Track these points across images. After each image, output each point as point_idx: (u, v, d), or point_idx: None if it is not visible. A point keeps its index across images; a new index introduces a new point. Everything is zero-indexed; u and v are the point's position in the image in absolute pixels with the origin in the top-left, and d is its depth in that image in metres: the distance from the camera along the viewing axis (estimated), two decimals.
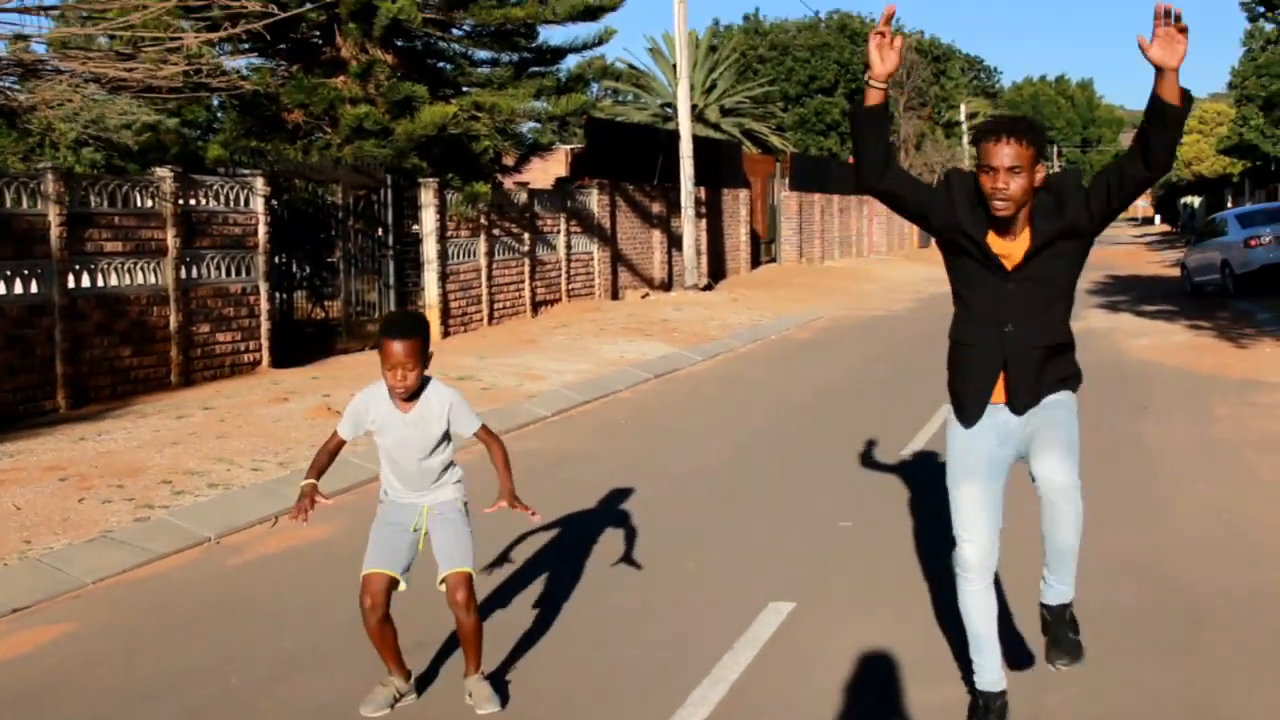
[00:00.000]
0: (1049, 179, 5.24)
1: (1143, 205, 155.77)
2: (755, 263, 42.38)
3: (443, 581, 5.89)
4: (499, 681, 6.23)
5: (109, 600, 7.97)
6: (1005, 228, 5.23)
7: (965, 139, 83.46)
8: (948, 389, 5.59)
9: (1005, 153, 5.05)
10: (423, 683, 6.30)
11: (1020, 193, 5.09)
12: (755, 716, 5.81)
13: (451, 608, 5.89)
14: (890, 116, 5.66)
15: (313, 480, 5.94)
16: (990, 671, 5.52)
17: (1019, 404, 5.48)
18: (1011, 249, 5.27)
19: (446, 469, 6.01)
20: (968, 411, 5.50)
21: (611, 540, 9.03)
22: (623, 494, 10.52)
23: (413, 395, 5.83)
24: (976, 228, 5.28)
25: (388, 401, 5.87)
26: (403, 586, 5.92)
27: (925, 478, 10.54)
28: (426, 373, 5.86)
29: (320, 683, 6.38)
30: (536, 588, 7.94)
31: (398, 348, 5.66)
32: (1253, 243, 29.03)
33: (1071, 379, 5.61)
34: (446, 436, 5.92)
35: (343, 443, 6.08)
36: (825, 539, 9.00)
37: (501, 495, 6.01)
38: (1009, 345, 5.39)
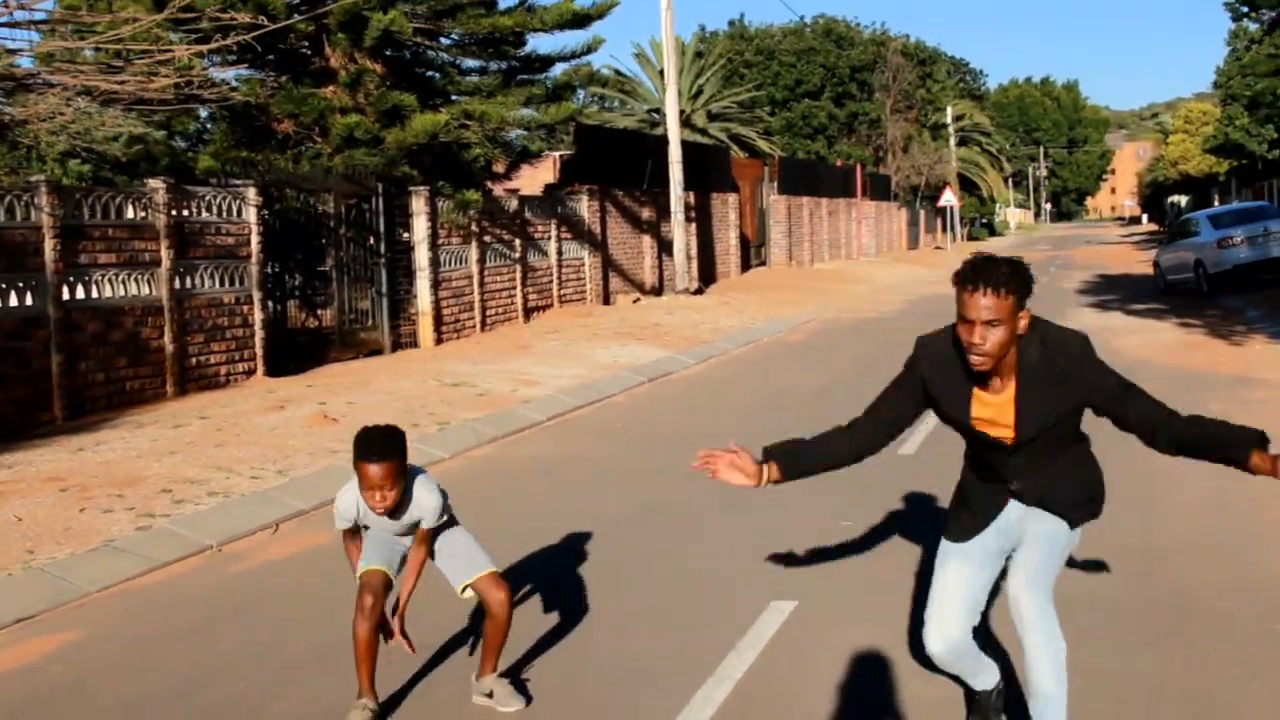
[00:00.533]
0: (1043, 333, 4.97)
1: (1129, 205, 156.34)
2: (745, 266, 42.46)
3: (465, 589, 5.90)
4: (516, 681, 6.29)
5: (113, 608, 8.01)
6: (985, 380, 5.01)
7: (952, 141, 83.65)
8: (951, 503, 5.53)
9: (982, 304, 4.74)
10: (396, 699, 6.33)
11: (997, 347, 4.81)
12: (760, 715, 5.86)
13: (492, 607, 5.85)
14: (796, 454, 5.77)
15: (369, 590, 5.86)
16: (983, 678, 5.51)
17: (1024, 498, 5.27)
18: (997, 404, 5.03)
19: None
20: (963, 533, 5.32)
21: (611, 543, 9.08)
22: (621, 497, 10.58)
23: (395, 509, 5.70)
24: (959, 399, 5.11)
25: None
26: (395, 588, 5.94)
27: (922, 476, 10.60)
28: (412, 464, 5.83)
29: (329, 686, 6.43)
30: (538, 591, 7.99)
31: (374, 471, 5.50)
32: (1225, 243, 29.59)
33: (1082, 509, 5.36)
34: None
35: (354, 531, 6.01)
36: (825, 538, 9.05)
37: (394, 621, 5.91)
38: (1016, 495, 5.26)
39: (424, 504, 5.77)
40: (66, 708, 6.31)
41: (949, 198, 67.75)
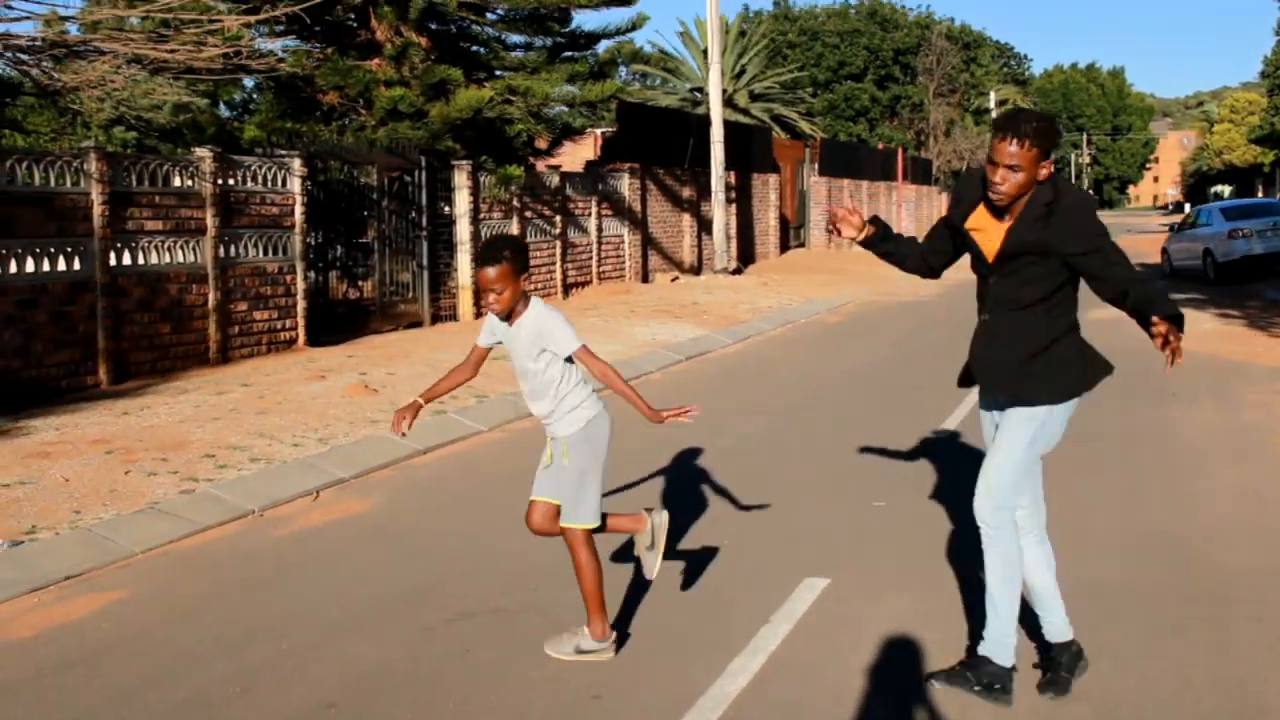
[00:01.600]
0: (1060, 184, 5.46)
1: (1172, 193, 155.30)
2: (784, 247, 42.46)
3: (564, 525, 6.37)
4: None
5: (158, 569, 8.16)
6: (999, 214, 5.54)
7: None
8: None
9: (1007, 151, 5.31)
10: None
11: (1015, 188, 5.37)
12: (791, 687, 5.95)
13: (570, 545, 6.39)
14: (889, 232, 6.09)
15: (420, 399, 6.39)
16: (1055, 622, 5.76)
17: (983, 396, 5.83)
18: (991, 234, 5.57)
19: (564, 390, 6.24)
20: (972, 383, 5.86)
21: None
22: (657, 472, 10.67)
23: (510, 315, 6.13)
24: (970, 213, 5.66)
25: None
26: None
27: (956, 459, 10.66)
28: (531, 295, 6.20)
29: (368, 648, 6.55)
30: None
31: (487, 274, 5.96)
32: (1235, 234, 30.92)
33: (1042, 387, 5.57)
34: (543, 356, 6.17)
35: (483, 352, 6.43)
36: (859, 518, 9.13)
37: (651, 417, 6.43)
38: (984, 334, 5.69)
39: (538, 314, 6.14)
40: (113, 663, 6.45)
41: None
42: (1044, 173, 5.39)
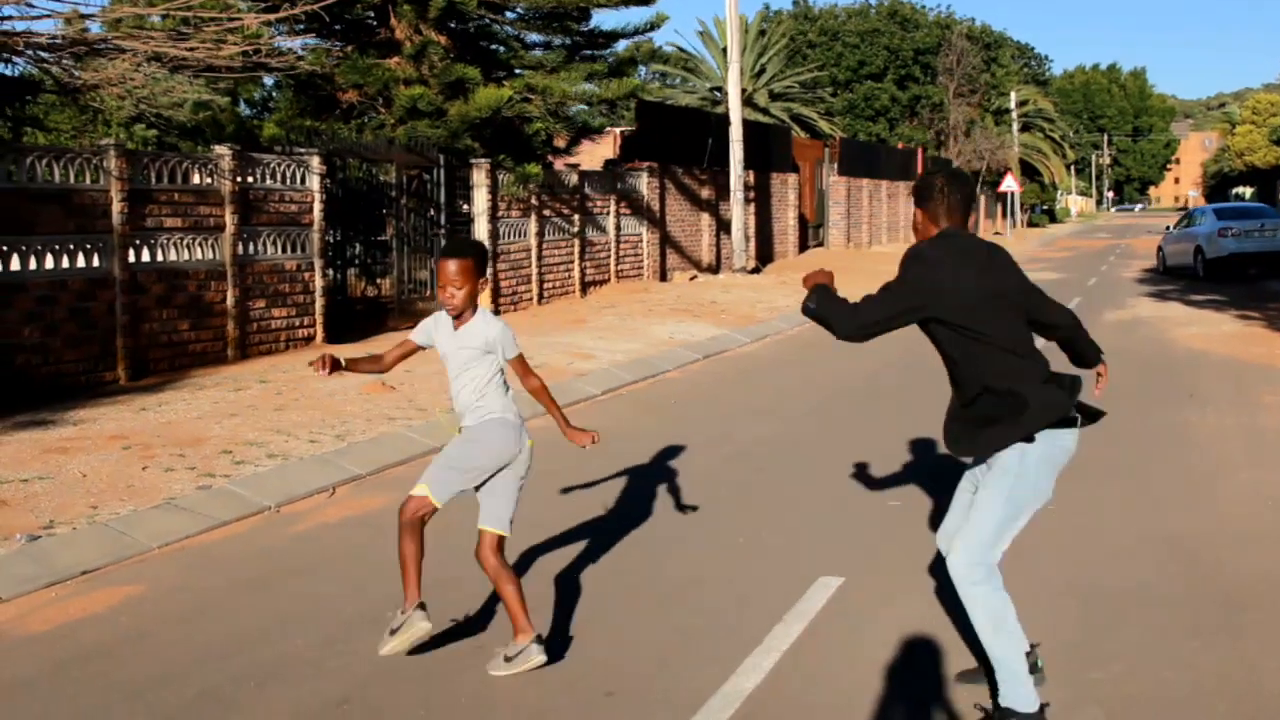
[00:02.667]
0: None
1: (1193, 194, 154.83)
2: (803, 247, 42.43)
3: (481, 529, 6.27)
4: (556, 641, 6.49)
5: (175, 564, 8.19)
6: None
7: (1015, 127, 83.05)
8: None
9: None
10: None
11: None
12: (805, 685, 5.96)
13: (479, 561, 6.24)
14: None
15: (343, 361, 6.54)
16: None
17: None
18: None
19: (488, 390, 6.22)
20: None
21: (663, 514, 9.19)
22: (673, 471, 10.68)
23: (461, 316, 6.19)
24: None
25: (448, 320, 6.27)
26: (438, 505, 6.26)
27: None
28: (481, 305, 6.24)
29: (374, 646, 6.56)
30: (589, 558, 8.10)
31: (448, 266, 6.10)
32: (1224, 234, 33.54)
33: (1001, 424, 5.42)
34: (483, 363, 6.21)
35: (413, 347, 6.49)
36: (874, 517, 9.13)
37: (565, 432, 6.43)
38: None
39: (491, 329, 6.20)
40: (130, 656, 6.48)
41: (1010, 183, 67.34)
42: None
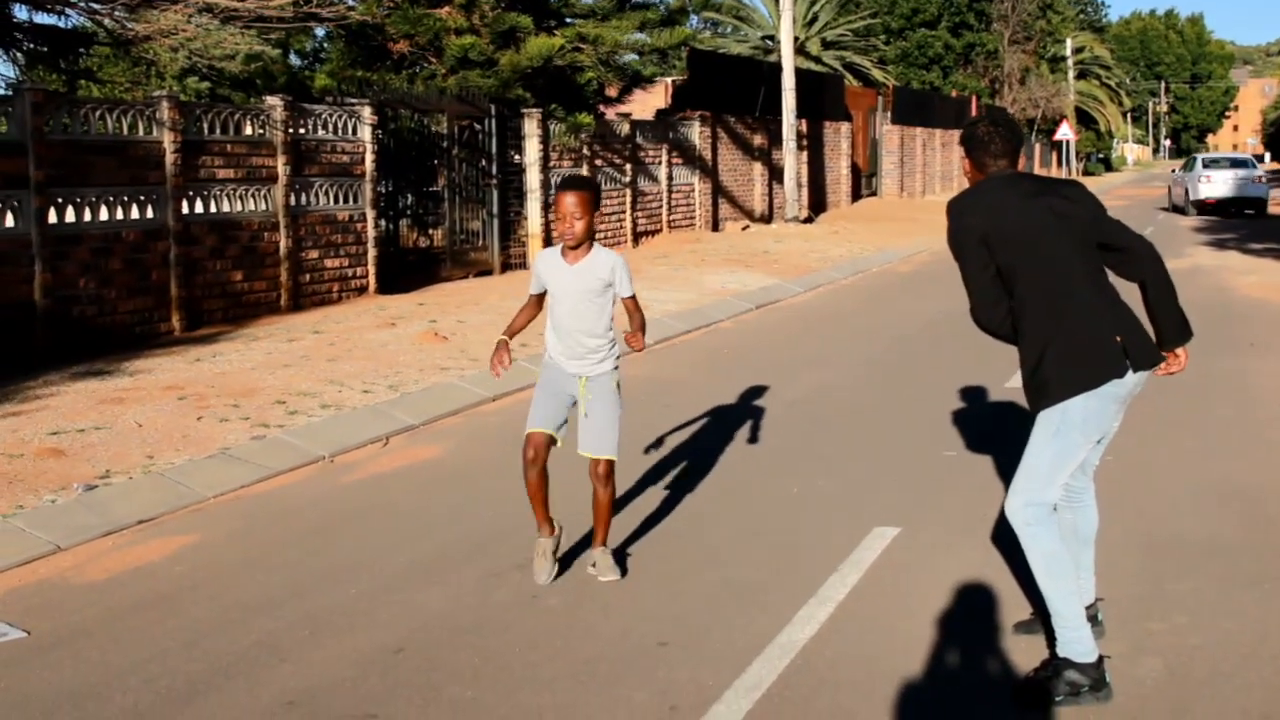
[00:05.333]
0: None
1: (1252, 142, 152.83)
2: (856, 196, 42.16)
3: (587, 455, 6.62)
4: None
5: (230, 514, 8.22)
6: None
7: (1070, 74, 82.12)
8: None
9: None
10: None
11: None
12: (860, 636, 5.92)
13: (592, 479, 6.64)
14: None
15: (506, 337, 6.73)
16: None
17: None
18: None
19: (603, 339, 6.55)
20: None
21: (716, 464, 9.15)
22: (726, 421, 10.64)
23: (578, 247, 6.45)
24: None
25: (559, 257, 6.53)
26: (559, 443, 6.65)
27: (1026, 412, 10.53)
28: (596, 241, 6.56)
29: (436, 594, 6.57)
30: (642, 508, 8.08)
31: (569, 199, 6.34)
32: (1208, 180, 41.05)
33: (1032, 387, 5.42)
34: (605, 294, 6.50)
35: (537, 299, 6.79)
36: (929, 468, 9.07)
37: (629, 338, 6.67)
38: None
39: (613, 263, 6.50)
40: (186, 605, 6.51)
41: (1065, 132, 66.64)
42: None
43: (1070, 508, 5.57)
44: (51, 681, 5.57)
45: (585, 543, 7.09)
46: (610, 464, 6.63)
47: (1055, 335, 5.22)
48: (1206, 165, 42.37)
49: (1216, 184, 40.94)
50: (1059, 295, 5.23)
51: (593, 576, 6.67)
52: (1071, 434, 5.26)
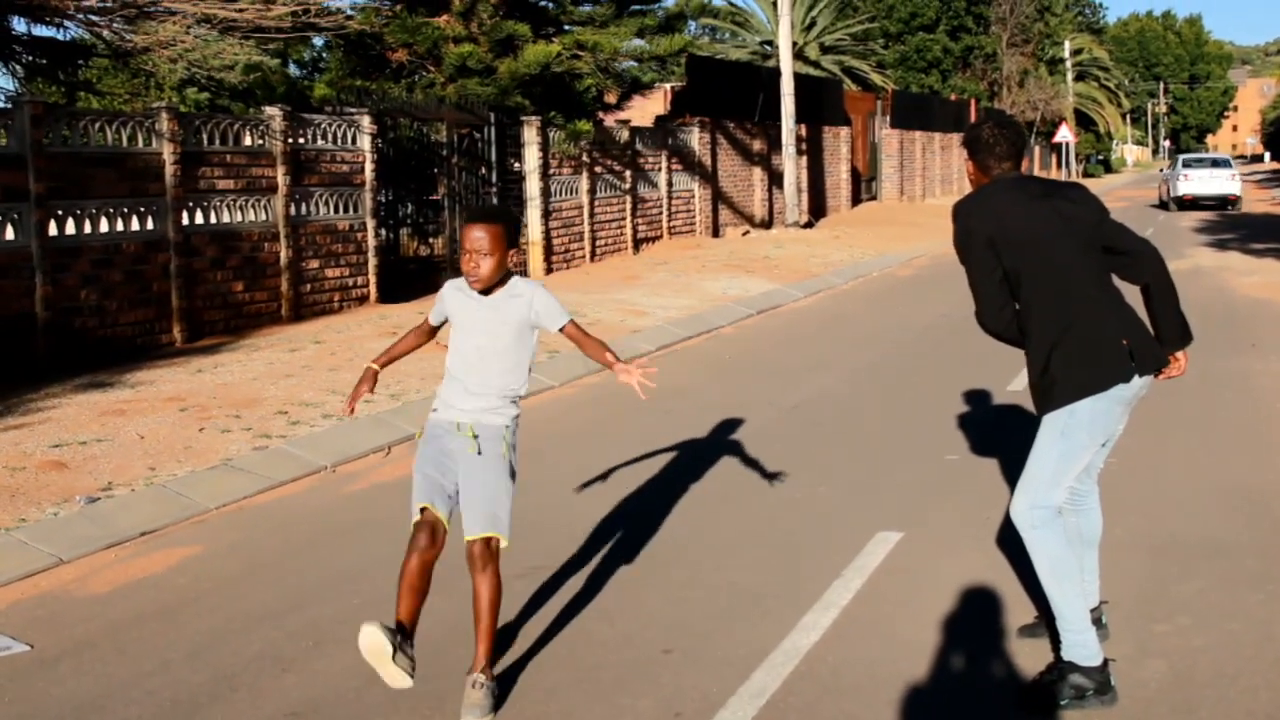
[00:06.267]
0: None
1: (1251, 143, 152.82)
2: (856, 200, 42.16)
3: (473, 538, 5.38)
4: (612, 597, 6.43)
5: (232, 525, 8.22)
6: None
7: (1069, 76, 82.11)
8: None
9: None
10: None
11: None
12: (864, 641, 5.91)
13: (470, 568, 5.40)
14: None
15: (375, 366, 5.81)
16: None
17: None
18: None
19: (511, 388, 5.47)
20: None
21: (718, 470, 9.14)
22: (728, 426, 10.63)
23: (490, 290, 5.38)
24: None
25: (471, 292, 5.44)
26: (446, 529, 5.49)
27: (1029, 415, 10.52)
28: (513, 270, 5.45)
29: (440, 602, 6.53)
30: (644, 515, 8.07)
31: (475, 233, 5.29)
32: (1186, 179, 45.76)
33: (1039, 389, 5.41)
34: (523, 335, 5.45)
35: (431, 329, 5.80)
36: (931, 472, 9.06)
37: (617, 369, 5.52)
38: None
39: (535, 296, 5.43)
40: (189, 617, 6.51)
41: (1065, 134, 66.65)
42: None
43: (1074, 510, 5.55)
44: (55, 694, 5.57)
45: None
46: (493, 546, 5.33)
47: (1062, 338, 5.21)
48: (1186, 165, 47.45)
49: (1194, 182, 45.61)
50: (1066, 298, 5.22)
51: (595, 586, 6.66)
52: (1078, 436, 5.24)
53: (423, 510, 5.42)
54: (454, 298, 5.52)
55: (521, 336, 5.45)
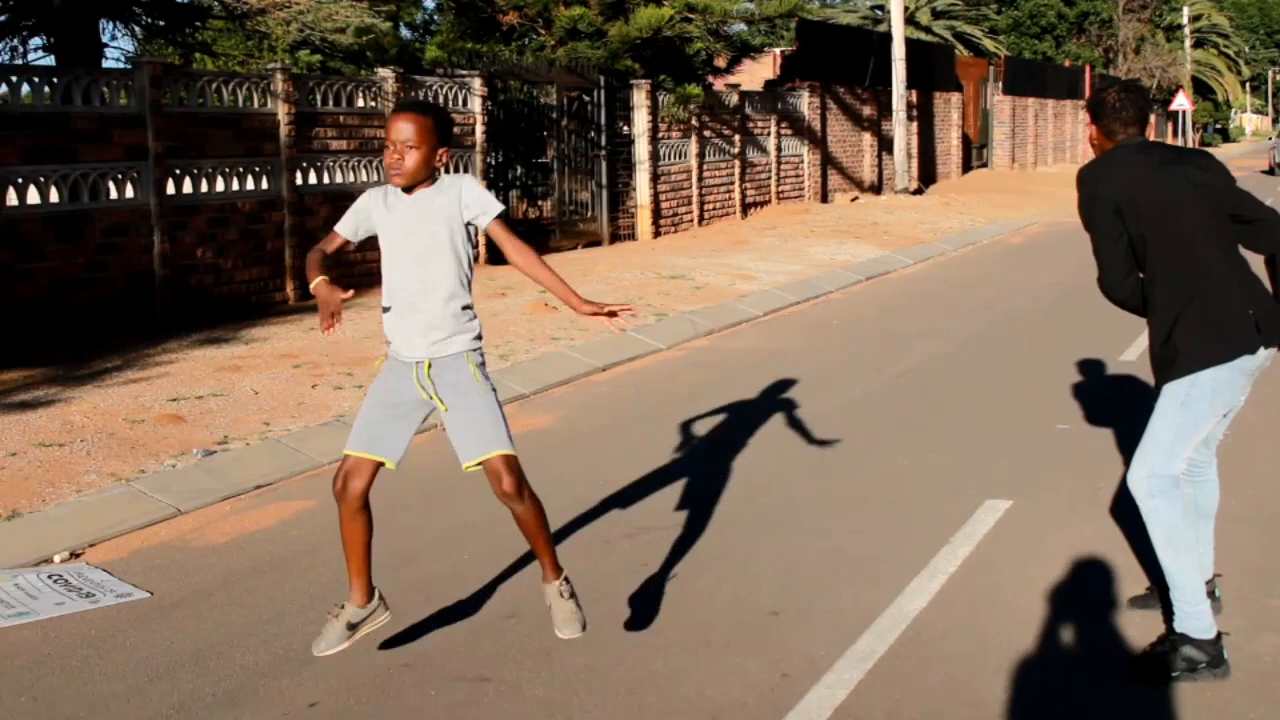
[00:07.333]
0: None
1: None
2: (966, 167, 41.70)
3: (476, 465, 5.06)
4: (721, 559, 6.42)
5: None
6: None
7: (1187, 43, 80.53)
8: None
9: None
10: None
11: None
12: (972, 609, 5.88)
13: (500, 499, 5.08)
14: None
15: (321, 277, 5.04)
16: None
17: None
18: None
19: (457, 301, 5.05)
20: None
21: (825, 434, 9.11)
22: (835, 391, 10.61)
23: (413, 188, 4.96)
24: None
25: (395, 193, 5.03)
26: (390, 466, 5.20)
27: (1142, 385, 10.39)
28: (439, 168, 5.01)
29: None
30: (751, 478, 8.08)
31: (401, 123, 4.86)
32: None
33: (1161, 358, 5.31)
34: (457, 235, 4.99)
35: (343, 243, 5.19)
36: (1041, 441, 8.98)
37: (580, 306, 5.08)
38: None
39: (463, 185, 5.01)
40: (302, 569, 6.63)
41: (1181, 102, 65.35)
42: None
43: (1192, 481, 5.48)
44: (174, 640, 5.70)
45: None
46: (509, 461, 4.99)
47: (1187, 307, 5.13)
48: None
49: None
50: (1192, 266, 5.14)
51: (702, 547, 6.67)
52: (1199, 406, 5.16)
53: (344, 457, 5.17)
54: (375, 209, 5.06)
55: (455, 236, 4.98)
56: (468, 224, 5.02)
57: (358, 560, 5.22)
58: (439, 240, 4.96)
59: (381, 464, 5.13)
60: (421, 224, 4.96)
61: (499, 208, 5.01)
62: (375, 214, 5.05)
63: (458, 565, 6.62)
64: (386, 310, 5.14)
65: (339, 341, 11.99)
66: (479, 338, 5.14)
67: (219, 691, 5.21)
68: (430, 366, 5.04)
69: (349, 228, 5.12)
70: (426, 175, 4.94)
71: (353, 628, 5.18)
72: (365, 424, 5.17)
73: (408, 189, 4.95)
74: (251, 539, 7.16)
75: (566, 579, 5.17)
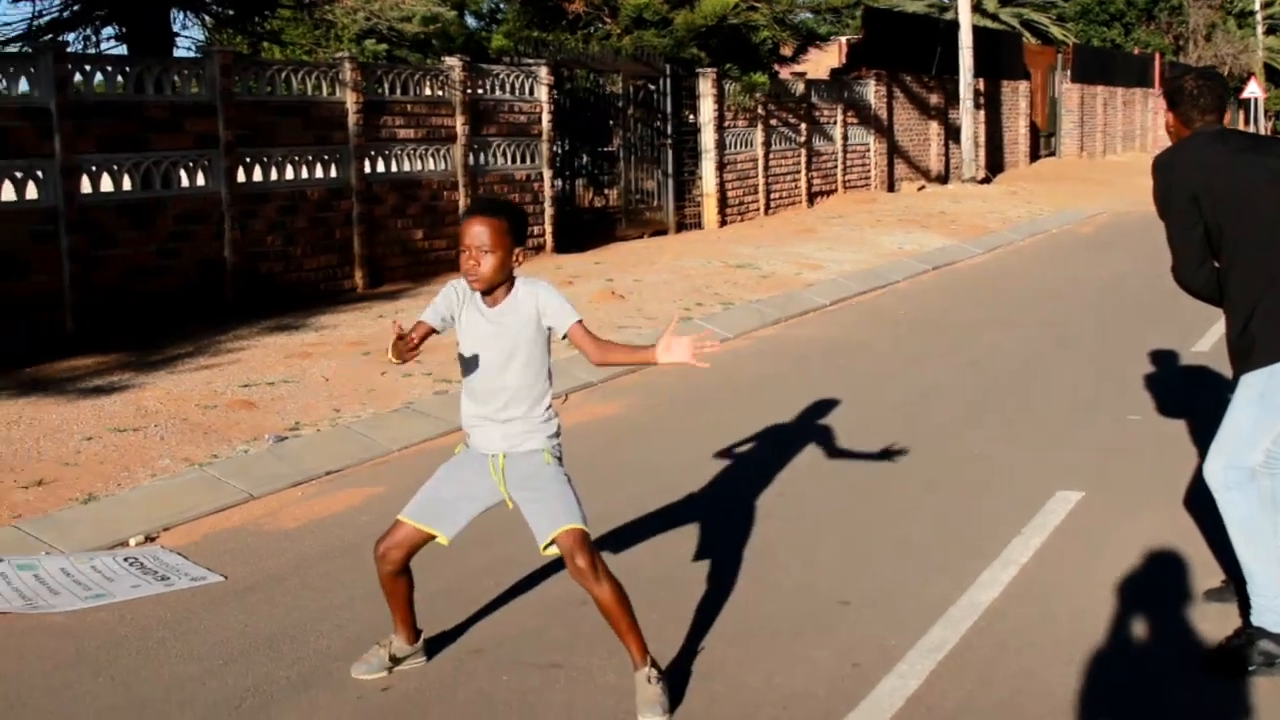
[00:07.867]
0: None
1: None
2: (1034, 156, 41.37)
3: (549, 545, 4.95)
4: (787, 549, 6.41)
5: (413, 466, 8.36)
6: None
7: (1259, 29, 79.45)
8: None
9: None
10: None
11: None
12: (1045, 600, 5.84)
13: (576, 580, 4.94)
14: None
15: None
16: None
17: None
18: None
19: (537, 403, 5.02)
20: None
21: (892, 423, 9.08)
22: (904, 380, 10.57)
23: (492, 291, 4.88)
24: None
25: (476, 296, 4.94)
26: (444, 542, 5.12)
27: (1216, 376, 10.29)
28: (516, 274, 4.93)
29: (617, 546, 6.64)
30: (819, 467, 8.07)
31: (475, 227, 4.77)
32: None
33: (1238, 349, 5.24)
34: (537, 340, 4.95)
35: (429, 331, 4.97)
36: (1113, 431, 8.90)
37: (658, 358, 4.88)
38: None
39: (539, 293, 4.93)
40: (371, 554, 6.65)
41: (1253, 89, 64.50)
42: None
43: (1269, 474, 5.41)
44: (248, 624, 5.76)
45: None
46: (580, 537, 4.85)
47: (1264, 296, 5.06)
48: None
49: None
50: (1270, 255, 5.07)
51: (771, 536, 6.66)
52: (1276, 398, 5.10)
53: (396, 523, 5.13)
54: (456, 307, 4.99)
55: (535, 346, 4.95)
56: (548, 328, 4.97)
57: (401, 611, 5.23)
58: (519, 354, 4.94)
59: (433, 538, 5.09)
60: (503, 339, 4.93)
61: (576, 316, 4.93)
62: (456, 311, 4.99)
63: (529, 550, 6.61)
64: (466, 397, 5.15)
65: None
66: (557, 434, 5.11)
67: (293, 675, 5.26)
68: (505, 457, 5.04)
69: (435, 319, 4.99)
70: (504, 279, 4.88)
71: (395, 660, 5.26)
72: (428, 499, 5.15)
73: (486, 292, 4.90)
74: (322, 524, 7.21)
75: (654, 663, 4.91)
